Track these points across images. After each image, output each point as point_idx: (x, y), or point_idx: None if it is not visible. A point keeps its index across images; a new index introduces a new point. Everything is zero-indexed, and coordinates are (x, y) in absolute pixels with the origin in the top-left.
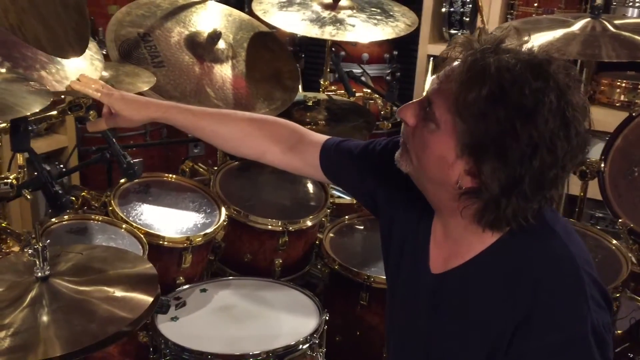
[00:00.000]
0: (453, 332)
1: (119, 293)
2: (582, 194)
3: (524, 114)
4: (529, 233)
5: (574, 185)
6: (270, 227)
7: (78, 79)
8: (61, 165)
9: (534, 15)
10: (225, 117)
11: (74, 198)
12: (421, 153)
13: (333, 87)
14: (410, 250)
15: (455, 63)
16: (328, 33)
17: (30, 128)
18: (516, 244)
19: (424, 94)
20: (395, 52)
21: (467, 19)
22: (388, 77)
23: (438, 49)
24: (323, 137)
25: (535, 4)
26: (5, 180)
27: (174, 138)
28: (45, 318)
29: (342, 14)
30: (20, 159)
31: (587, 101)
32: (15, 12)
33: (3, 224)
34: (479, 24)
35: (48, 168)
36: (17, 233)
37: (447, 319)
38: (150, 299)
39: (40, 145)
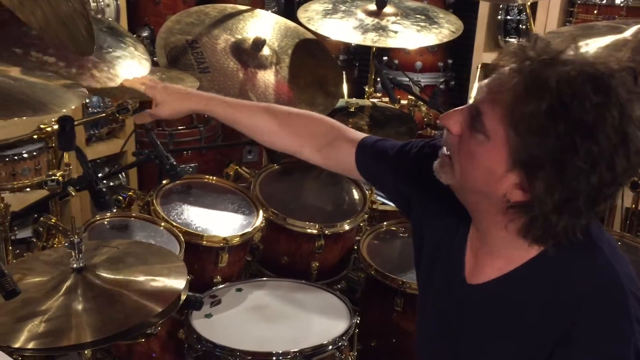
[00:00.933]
0: (486, 344)
1: (148, 286)
2: (633, 206)
3: (584, 130)
4: (573, 248)
5: (626, 197)
6: (306, 230)
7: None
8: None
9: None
10: (263, 109)
11: (121, 197)
12: (467, 164)
13: (378, 94)
14: (443, 257)
15: (508, 72)
16: (370, 39)
17: (92, 132)
18: (559, 258)
19: (470, 101)
20: (450, 61)
21: (523, 27)
22: (442, 86)
23: (493, 57)
24: (361, 135)
25: (595, 11)
26: (52, 177)
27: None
28: (77, 306)
29: (386, 21)
30: (67, 157)
31: None
32: (41, 13)
33: (53, 220)
34: (535, 31)
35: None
36: (65, 229)
37: (480, 331)
38: (176, 293)
39: (102, 149)
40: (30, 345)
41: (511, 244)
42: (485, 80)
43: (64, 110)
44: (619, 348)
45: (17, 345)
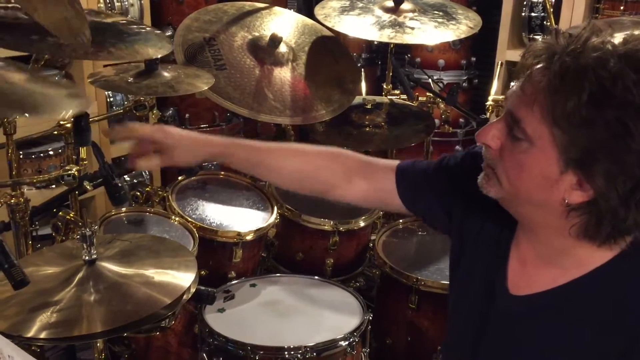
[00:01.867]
0: (537, 358)
1: (157, 279)
2: None
3: (633, 111)
4: (635, 259)
5: None
6: (321, 226)
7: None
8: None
9: None
10: (291, 150)
11: (139, 193)
12: (516, 176)
13: (397, 92)
14: (482, 267)
15: (538, 71)
16: (386, 36)
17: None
18: (627, 267)
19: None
20: (474, 59)
21: (548, 24)
22: (465, 84)
23: (517, 54)
24: (394, 162)
25: (622, 7)
26: (69, 172)
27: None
28: (88, 298)
29: (403, 17)
30: (83, 152)
31: None
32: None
33: (70, 215)
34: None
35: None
36: (83, 223)
37: (526, 345)
38: (185, 286)
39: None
40: (42, 335)
41: (573, 251)
42: (514, 86)
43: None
44: None
45: (29, 335)
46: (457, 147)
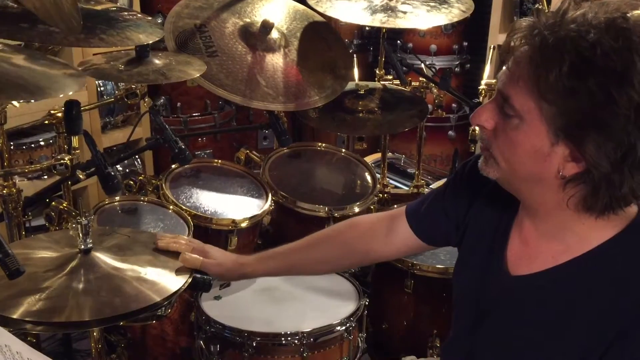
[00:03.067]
0: (539, 337)
1: (150, 276)
2: None
3: (616, 78)
4: (634, 240)
5: None
6: (316, 213)
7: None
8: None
9: None
10: (314, 242)
11: (132, 182)
12: (510, 153)
13: (389, 77)
14: (482, 251)
15: (519, 48)
16: (378, 20)
17: (108, 120)
18: (628, 246)
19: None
20: (465, 44)
21: (540, 6)
22: (457, 69)
23: None
24: (402, 208)
25: None
26: (61, 162)
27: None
28: (77, 286)
29: (395, 2)
30: (75, 141)
31: None
32: None
33: (64, 205)
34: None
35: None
36: (77, 213)
37: (527, 325)
38: (176, 287)
39: (117, 137)
40: (28, 319)
41: (573, 227)
42: (504, 67)
43: (61, 95)
44: None
45: (14, 317)
46: (450, 132)
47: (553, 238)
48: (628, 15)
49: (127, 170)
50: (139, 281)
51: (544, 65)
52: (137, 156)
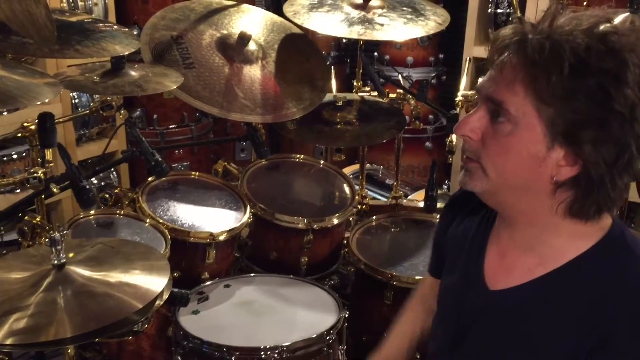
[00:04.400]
0: (516, 353)
1: (129, 283)
2: None
3: (612, 77)
4: (608, 253)
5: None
6: (295, 225)
7: None
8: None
9: None
10: (400, 332)
11: (107, 195)
12: (503, 161)
13: (367, 88)
14: (461, 265)
15: (513, 52)
16: (356, 32)
17: (82, 132)
18: (601, 260)
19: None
20: (441, 56)
21: (513, 20)
22: (433, 81)
23: (484, 51)
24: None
25: (585, 3)
26: (34, 175)
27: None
28: (57, 303)
29: (372, 14)
30: (48, 154)
31: None
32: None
33: (37, 219)
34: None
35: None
36: (50, 227)
37: (505, 340)
38: (157, 291)
39: (92, 149)
40: (9, 341)
41: (551, 238)
42: (486, 76)
43: (38, 103)
44: None
45: None
46: (427, 143)
47: (530, 250)
48: (612, 19)
49: (103, 183)
50: (119, 290)
51: (544, 67)
52: (112, 169)
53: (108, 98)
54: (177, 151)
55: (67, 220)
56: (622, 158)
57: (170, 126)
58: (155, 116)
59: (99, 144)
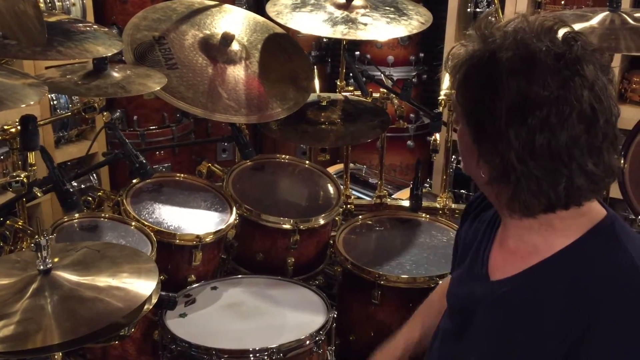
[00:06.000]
0: (508, 344)
1: (117, 288)
2: (604, 193)
3: (487, 80)
4: (595, 244)
5: None
6: (281, 225)
7: None
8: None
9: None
10: (413, 327)
11: (90, 198)
12: (461, 156)
13: (350, 88)
14: (471, 256)
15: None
16: (340, 32)
17: (61, 134)
18: (576, 258)
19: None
20: (422, 55)
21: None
22: (414, 80)
23: None
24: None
25: (563, 2)
26: (17, 179)
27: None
28: (44, 309)
29: (355, 13)
30: (31, 157)
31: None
32: None
33: (19, 223)
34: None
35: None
36: (33, 232)
37: (503, 331)
38: (146, 294)
39: (72, 151)
40: None
41: (538, 228)
42: None
43: (23, 105)
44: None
45: None
46: (409, 142)
47: (523, 242)
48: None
49: (82, 186)
50: (107, 294)
51: (453, 74)
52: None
53: (90, 100)
54: (158, 152)
55: (49, 224)
56: (532, 156)
57: (151, 127)
58: (135, 117)
59: (78, 146)
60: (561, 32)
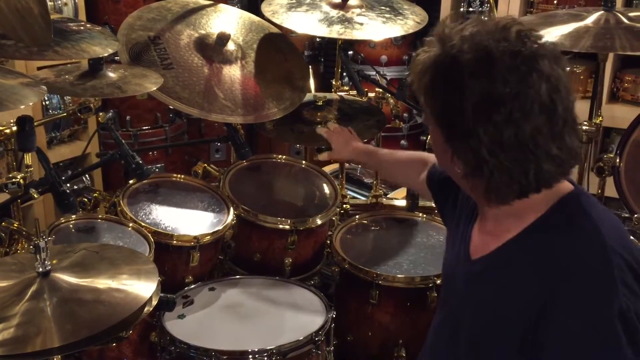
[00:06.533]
0: (485, 320)
1: (118, 289)
2: (599, 192)
3: (451, 82)
4: (561, 214)
5: (593, 184)
6: (278, 226)
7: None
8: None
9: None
10: (407, 163)
11: (86, 199)
12: (435, 155)
13: (346, 88)
14: (458, 238)
15: None
16: (336, 32)
17: (53, 135)
18: (542, 233)
19: None
20: (415, 54)
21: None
22: (407, 79)
23: None
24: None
25: (555, 1)
26: (13, 180)
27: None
28: (44, 311)
29: (351, 13)
30: (28, 158)
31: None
32: None
33: (15, 225)
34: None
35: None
36: (28, 233)
37: (480, 306)
38: (147, 295)
39: (64, 152)
40: None
41: (500, 217)
42: None
43: (22, 107)
44: (601, 309)
45: None
46: (402, 141)
47: (498, 221)
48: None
49: (75, 187)
50: (107, 297)
51: (417, 80)
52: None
53: (86, 100)
54: (151, 153)
55: (42, 225)
56: (500, 147)
57: (144, 127)
58: (128, 118)
59: (70, 147)
60: (514, 30)
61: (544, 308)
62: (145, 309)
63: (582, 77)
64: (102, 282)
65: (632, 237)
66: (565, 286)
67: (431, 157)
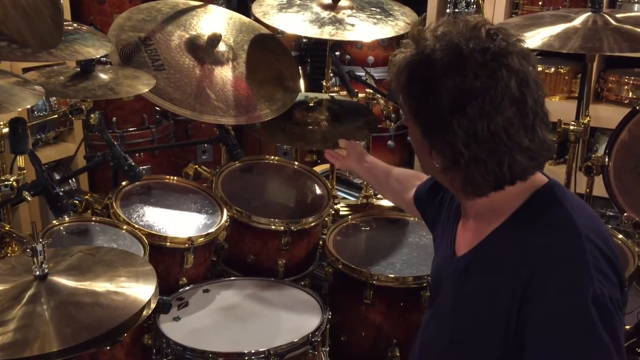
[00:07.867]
0: (470, 314)
1: (117, 292)
2: (587, 191)
3: (424, 81)
4: (537, 204)
5: (580, 183)
6: (272, 227)
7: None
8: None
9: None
10: (394, 175)
11: (77, 201)
12: (415, 153)
13: (336, 89)
14: (444, 241)
15: None
16: (327, 33)
17: (39, 137)
18: (519, 226)
19: None
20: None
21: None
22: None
23: None
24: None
25: (540, 3)
26: (6, 182)
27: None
28: (42, 315)
29: (342, 14)
30: (20, 160)
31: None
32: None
33: (6, 228)
34: None
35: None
36: (20, 236)
37: (465, 301)
38: (145, 299)
39: (50, 154)
40: None
41: (479, 211)
42: None
43: (19, 109)
44: (576, 294)
45: None
46: (390, 142)
47: (478, 216)
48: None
49: (62, 189)
50: (105, 300)
51: (396, 78)
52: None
53: (76, 102)
54: (137, 154)
55: (28, 227)
56: (475, 139)
57: (130, 129)
58: (114, 119)
59: (56, 148)
60: (484, 29)
61: (524, 298)
62: (145, 311)
63: (566, 78)
64: (100, 285)
65: (608, 226)
66: (542, 275)
67: (422, 176)
